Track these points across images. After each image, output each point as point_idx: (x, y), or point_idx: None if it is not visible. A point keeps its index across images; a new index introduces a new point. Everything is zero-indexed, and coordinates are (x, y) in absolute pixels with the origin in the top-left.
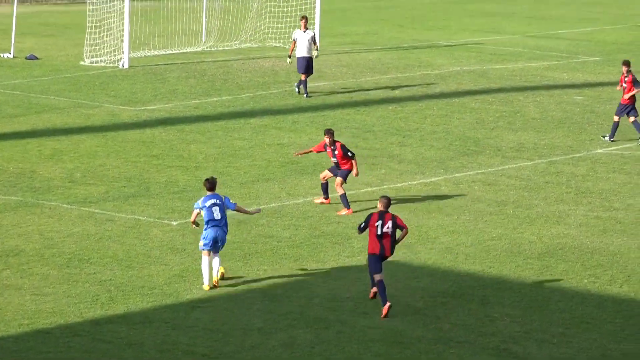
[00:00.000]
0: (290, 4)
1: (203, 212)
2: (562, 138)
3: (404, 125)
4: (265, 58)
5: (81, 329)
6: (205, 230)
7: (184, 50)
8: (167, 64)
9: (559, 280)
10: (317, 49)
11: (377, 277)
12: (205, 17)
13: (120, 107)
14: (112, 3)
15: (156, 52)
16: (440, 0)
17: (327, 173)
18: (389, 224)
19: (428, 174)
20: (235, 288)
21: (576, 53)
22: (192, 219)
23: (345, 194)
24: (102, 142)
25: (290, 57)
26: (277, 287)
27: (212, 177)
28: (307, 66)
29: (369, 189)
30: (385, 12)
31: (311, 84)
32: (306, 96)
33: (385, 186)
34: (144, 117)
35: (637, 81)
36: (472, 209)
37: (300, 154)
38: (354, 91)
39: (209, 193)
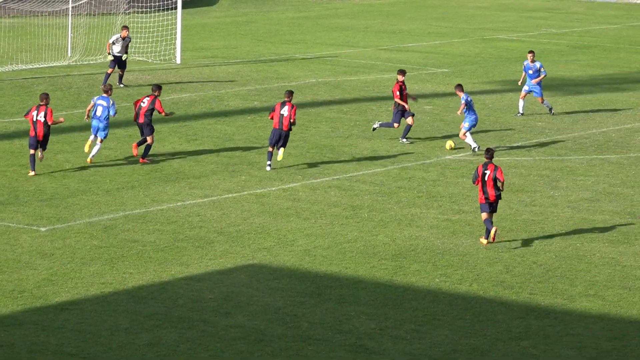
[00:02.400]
0: (152, 20)
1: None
2: (414, 145)
3: (263, 134)
4: (130, 72)
5: None
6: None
7: (51, 65)
8: (35, 78)
9: (411, 279)
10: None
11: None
12: (71, 33)
13: None
14: None
15: (23, 67)
16: (295, 15)
17: None
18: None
19: (286, 180)
20: (102, 291)
21: (425, 65)
22: (87, 108)
23: None
24: None
25: (109, 54)
26: (142, 289)
27: (110, 85)
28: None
29: (229, 195)
30: (243, 28)
31: (174, 96)
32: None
33: (245, 192)
34: (12, 128)
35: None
36: (328, 213)
37: None
38: (215, 102)
39: (103, 95)
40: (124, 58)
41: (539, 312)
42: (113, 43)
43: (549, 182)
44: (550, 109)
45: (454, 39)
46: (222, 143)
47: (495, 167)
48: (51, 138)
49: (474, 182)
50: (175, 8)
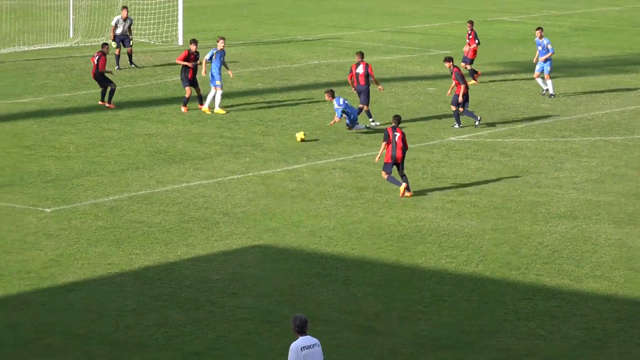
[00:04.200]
0: (154, 1)
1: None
2: (417, 127)
3: (267, 115)
4: (133, 53)
5: None
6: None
7: (53, 46)
8: (37, 59)
9: (417, 261)
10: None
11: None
12: (73, 15)
13: None
14: None
15: (26, 48)
16: None
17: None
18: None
19: (291, 161)
20: (109, 272)
21: (428, 47)
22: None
23: None
24: None
25: (113, 39)
26: (148, 270)
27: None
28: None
29: (234, 177)
30: (245, 9)
31: (177, 78)
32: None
33: (250, 174)
34: (15, 110)
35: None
36: (333, 194)
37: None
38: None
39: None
40: (130, 44)
41: (545, 292)
42: (116, 26)
43: (553, 163)
44: (546, 92)
45: (456, 20)
46: (226, 124)
47: (403, 133)
48: (54, 119)
49: (384, 141)
50: None
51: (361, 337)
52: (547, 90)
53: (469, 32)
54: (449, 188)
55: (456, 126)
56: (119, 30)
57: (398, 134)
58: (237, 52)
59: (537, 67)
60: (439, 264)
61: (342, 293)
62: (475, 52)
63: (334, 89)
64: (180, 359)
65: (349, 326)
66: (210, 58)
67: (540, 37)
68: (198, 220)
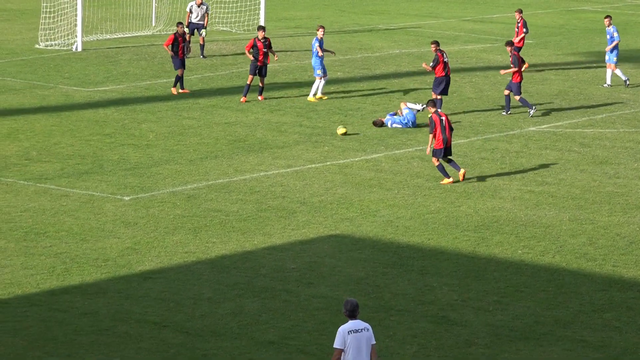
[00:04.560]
0: None
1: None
2: (497, 116)
3: (346, 104)
4: (213, 41)
5: (38, 299)
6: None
7: (135, 34)
8: (119, 47)
9: (494, 251)
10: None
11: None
12: (155, 2)
13: (74, 88)
14: None
15: (108, 36)
16: None
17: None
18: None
19: (369, 150)
20: (185, 260)
21: (509, 36)
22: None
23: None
24: (56, 121)
25: (187, 26)
26: (225, 258)
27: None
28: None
29: (312, 166)
30: None
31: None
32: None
33: (328, 163)
34: (97, 97)
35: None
36: (411, 184)
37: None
38: (298, 73)
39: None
40: (203, 34)
41: (622, 284)
42: (190, 12)
43: (633, 154)
44: (608, 83)
45: (538, 10)
46: (305, 113)
47: (446, 115)
48: (135, 107)
49: (431, 132)
50: None
51: (436, 327)
52: (624, 79)
53: (518, 20)
54: (528, 178)
55: (504, 113)
56: (194, 17)
57: (443, 117)
58: None
59: (607, 57)
60: (515, 254)
61: (417, 283)
62: (523, 40)
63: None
64: (255, 347)
65: (424, 316)
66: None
67: (609, 25)
68: (275, 209)
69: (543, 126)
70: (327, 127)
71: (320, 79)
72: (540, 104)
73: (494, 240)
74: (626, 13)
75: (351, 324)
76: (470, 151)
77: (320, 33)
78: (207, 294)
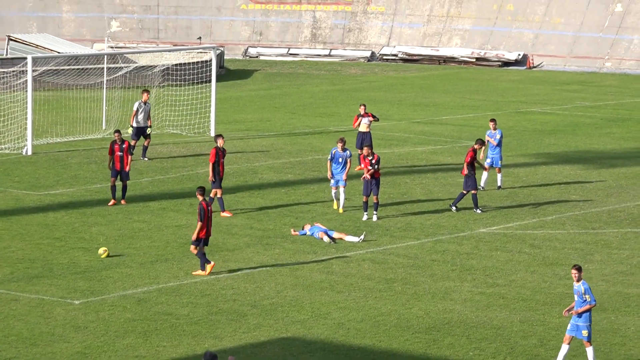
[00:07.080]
0: (186, 93)
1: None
2: (447, 218)
3: (297, 207)
4: (163, 144)
5: None
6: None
7: (85, 137)
8: (69, 151)
9: (445, 353)
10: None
11: None
12: (106, 106)
13: (24, 191)
14: (15, 93)
15: (58, 139)
16: (329, 88)
17: None
18: None
19: (320, 253)
20: None
21: (459, 138)
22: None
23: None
24: (6, 225)
25: (131, 126)
26: None
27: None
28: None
29: (263, 268)
30: (277, 100)
31: (208, 169)
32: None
33: (279, 265)
34: (47, 201)
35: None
36: (362, 286)
37: None
38: (249, 175)
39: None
40: (148, 132)
41: None
42: (137, 111)
43: (583, 255)
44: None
45: (488, 111)
46: (256, 216)
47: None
48: (85, 210)
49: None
50: (210, 81)
51: None
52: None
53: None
54: (479, 280)
55: (453, 208)
56: (140, 117)
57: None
58: (268, 143)
59: (489, 160)
60: (466, 356)
61: None
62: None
63: None
64: None
65: None
66: (332, 158)
67: (494, 129)
68: (226, 312)
69: (493, 227)
70: (278, 230)
71: (333, 188)
72: (490, 206)
73: (445, 342)
74: (575, 114)
75: None
76: (421, 253)
77: (339, 145)
78: None
